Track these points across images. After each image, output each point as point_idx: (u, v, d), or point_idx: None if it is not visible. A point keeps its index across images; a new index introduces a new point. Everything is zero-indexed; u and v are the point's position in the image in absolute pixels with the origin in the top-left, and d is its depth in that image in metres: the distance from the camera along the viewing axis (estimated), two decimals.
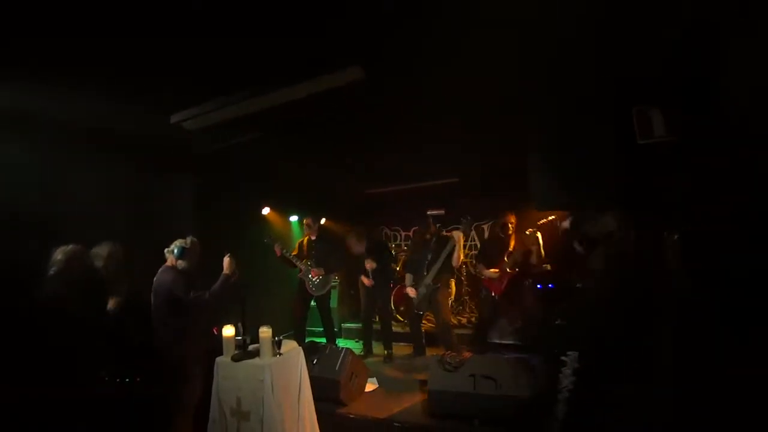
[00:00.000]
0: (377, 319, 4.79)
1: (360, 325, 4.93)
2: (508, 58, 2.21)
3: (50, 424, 2.06)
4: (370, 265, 4.47)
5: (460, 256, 4.13)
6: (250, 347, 2.52)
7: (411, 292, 4.23)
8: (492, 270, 4.08)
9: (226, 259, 2.67)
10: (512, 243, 4.09)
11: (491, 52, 2.14)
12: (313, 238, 4.62)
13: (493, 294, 4.13)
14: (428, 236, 4.37)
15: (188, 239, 2.63)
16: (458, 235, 4.07)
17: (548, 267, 3.96)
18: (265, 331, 2.46)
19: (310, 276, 4.47)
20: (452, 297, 4.98)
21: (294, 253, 4.56)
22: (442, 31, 1.95)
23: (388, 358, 4.51)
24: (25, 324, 2.22)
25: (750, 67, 1.76)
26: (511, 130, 3.39)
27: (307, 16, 1.79)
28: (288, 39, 1.97)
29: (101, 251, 2.63)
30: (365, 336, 4.77)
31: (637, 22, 1.92)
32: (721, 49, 1.91)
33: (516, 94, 2.69)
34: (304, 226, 4.68)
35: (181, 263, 2.57)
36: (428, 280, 4.14)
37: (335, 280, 5.32)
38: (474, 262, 5.73)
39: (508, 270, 4.02)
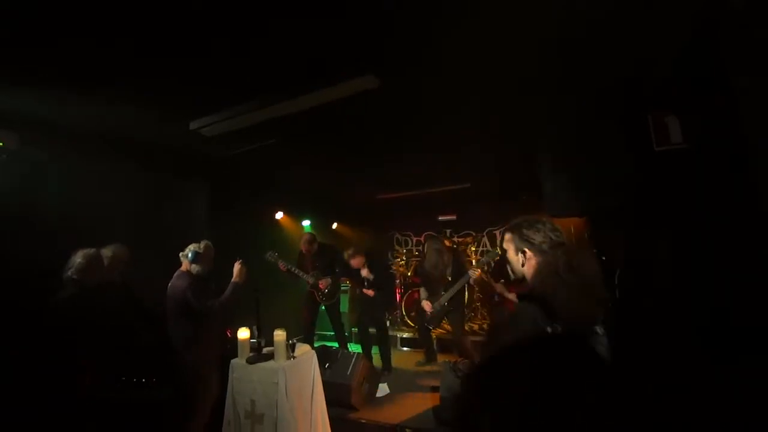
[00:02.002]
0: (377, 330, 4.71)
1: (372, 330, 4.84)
2: (520, 62, 2.22)
3: (66, 424, 2.12)
4: (366, 272, 4.43)
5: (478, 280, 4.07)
6: (265, 350, 2.55)
7: (426, 305, 4.20)
8: (511, 294, 3.78)
9: (237, 266, 2.67)
10: None
11: (503, 55, 2.15)
12: (312, 253, 4.59)
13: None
14: (444, 255, 4.26)
15: (202, 243, 2.65)
16: (475, 274, 3.97)
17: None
18: (279, 335, 2.49)
19: (318, 287, 4.47)
20: (465, 303, 4.95)
21: (296, 263, 4.54)
22: (452, 35, 1.97)
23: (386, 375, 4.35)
24: (41, 325, 2.28)
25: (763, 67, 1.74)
26: (524, 135, 3.39)
27: (313, 19, 1.82)
28: (299, 44, 2.01)
29: (107, 253, 2.71)
30: (363, 341, 4.62)
31: (651, 24, 1.91)
32: (735, 50, 1.89)
33: (528, 97, 2.69)
34: (305, 243, 4.60)
35: (195, 267, 2.59)
36: (444, 300, 4.09)
37: (345, 284, 5.33)
38: (486, 269, 5.71)
39: None
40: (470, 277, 3.98)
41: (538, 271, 1.32)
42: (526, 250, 1.36)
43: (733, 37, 1.88)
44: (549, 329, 1.11)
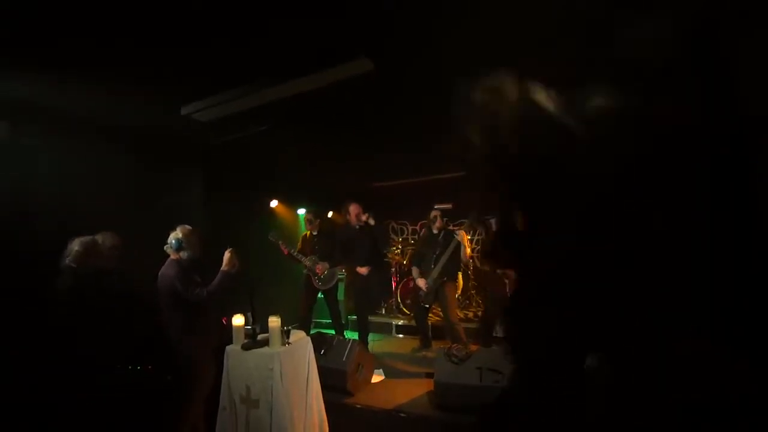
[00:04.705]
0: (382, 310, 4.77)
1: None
2: (520, 48, 2.19)
3: (66, 409, 2.12)
4: (366, 217, 4.48)
5: (466, 253, 4.18)
6: (260, 337, 2.55)
7: (421, 282, 4.26)
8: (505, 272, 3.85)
9: (227, 254, 2.62)
10: None
11: (500, 43, 2.11)
12: (315, 233, 4.65)
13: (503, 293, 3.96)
14: (435, 231, 4.40)
15: (179, 230, 2.57)
16: (461, 234, 4.09)
17: None
18: (274, 321, 2.49)
19: (315, 272, 4.50)
20: (459, 291, 4.98)
21: (299, 248, 4.61)
22: (449, 24, 1.94)
23: None
24: (39, 312, 2.27)
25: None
26: None
27: (313, 6, 1.79)
28: (296, 30, 1.97)
29: (105, 240, 2.68)
30: (359, 329, 4.63)
31: (652, 10, 1.88)
32: (739, 34, 1.86)
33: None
34: (305, 222, 4.73)
35: (183, 254, 2.54)
36: (435, 274, 4.18)
37: (341, 273, 5.35)
38: (480, 255, 5.72)
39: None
40: (459, 243, 4.08)
41: None
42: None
43: (735, 26, 1.85)
44: None
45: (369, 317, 4.67)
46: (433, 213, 4.48)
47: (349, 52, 2.16)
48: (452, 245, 4.12)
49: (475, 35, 2.08)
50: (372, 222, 4.51)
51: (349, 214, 4.52)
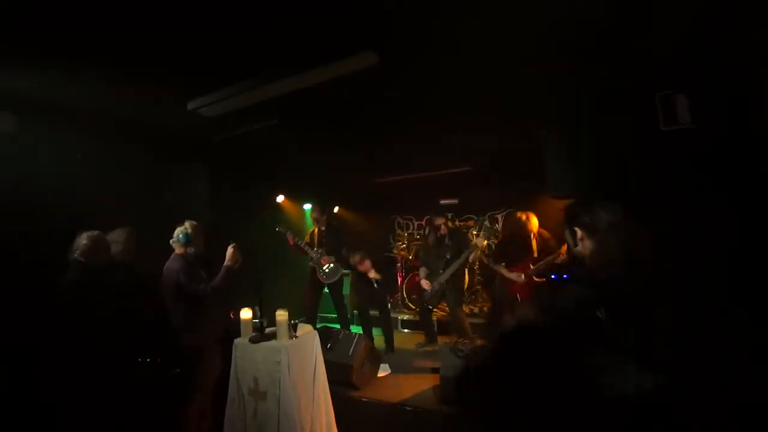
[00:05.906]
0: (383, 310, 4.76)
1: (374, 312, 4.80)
2: (524, 43, 2.16)
3: (73, 404, 2.16)
4: (373, 274, 4.50)
5: (476, 258, 4.17)
6: (267, 330, 2.58)
7: (425, 284, 4.26)
8: (516, 274, 3.77)
9: (229, 250, 2.63)
10: (535, 245, 3.74)
11: (505, 37, 2.09)
12: (323, 228, 4.69)
13: (517, 296, 3.83)
14: (440, 234, 4.35)
15: (187, 224, 2.59)
16: (481, 244, 4.05)
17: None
18: (281, 314, 2.51)
19: (320, 264, 4.53)
20: (465, 286, 4.98)
21: (306, 240, 4.65)
22: (453, 17, 1.92)
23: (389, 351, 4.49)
24: (48, 305, 2.31)
25: None
26: (527, 116, 3.33)
27: (315, 5, 1.78)
28: (301, 23, 1.96)
29: (116, 236, 2.70)
30: (364, 322, 4.67)
31: (663, 2, 1.85)
32: (749, 30, 1.82)
33: (532, 78, 2.63)
34: (312, 219, 4.78)
35: (190, 249, 2.56)
36: (443, 279, 4.16)
37: (346, 269, 5.38)
38: (487, 252, 5.70)
39: (535, 278, 3.72)
40: (470, 252, 4.05)
41: (594, 253, 1.35)
42: (577, 229, 1.38)
43: (746, 21, 1.82)
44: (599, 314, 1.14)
45: (372, 312, 4.69)
46: (438, 221, 4.39)
47: (353, 45, 2.14)
48: (464, 255, 4.07)
49: (475, 35, 2.05)
50: (379, 277, 4.47)
51: (359, 268, 4.48)
